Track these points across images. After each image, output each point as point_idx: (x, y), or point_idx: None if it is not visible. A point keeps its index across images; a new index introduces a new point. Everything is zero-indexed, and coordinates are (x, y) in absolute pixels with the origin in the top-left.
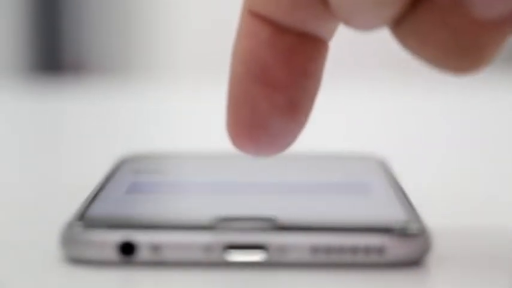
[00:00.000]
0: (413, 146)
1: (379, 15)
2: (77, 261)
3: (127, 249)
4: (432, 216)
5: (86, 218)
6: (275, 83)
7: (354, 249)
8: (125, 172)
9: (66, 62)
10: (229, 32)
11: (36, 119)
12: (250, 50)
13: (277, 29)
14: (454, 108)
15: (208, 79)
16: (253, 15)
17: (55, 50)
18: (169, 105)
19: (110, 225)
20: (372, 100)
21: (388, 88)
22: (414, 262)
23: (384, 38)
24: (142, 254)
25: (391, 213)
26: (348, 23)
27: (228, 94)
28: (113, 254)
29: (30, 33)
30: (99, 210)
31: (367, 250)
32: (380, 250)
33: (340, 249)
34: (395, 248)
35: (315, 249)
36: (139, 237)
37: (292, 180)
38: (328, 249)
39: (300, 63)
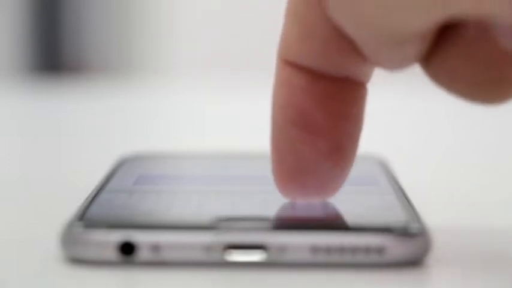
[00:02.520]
0: (413, 146)
1: (402, 54)
2: (77, 261)
3: (127, 249)
4: (432, 216)
5: (86, 218)
6: (316, 129)
7: (354, 249)
8: (125, 172)
9: (66, 62)
10: (230, 33)
11: (36, 119)
12: (288, 98)
13: (313, 75)
14: (454, 108)
15: (209, 79)
16: (287, 63)
17: (55, 50)
18: (169, 105)
19: (110, 225)
20: (372, 100)
21: (388, 88)
22: (414, 262)
23: None
24: (142, 254)
25: (391, 213)
26: (378, 64)
27: (271, 144)
28: (113, 254)
29: (30, 34)
30: (99, 210)
31: (367, 250)
32: (380, 250)
33: (340, 249)
34: (395, 248)
35: (315, 249)
36: (139, 237)
37: None
38: (328, 249)
39: (338, 107)
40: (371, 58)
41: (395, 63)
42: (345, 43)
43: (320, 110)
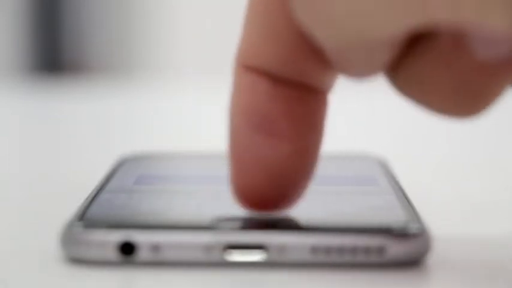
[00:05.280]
0: (413, 146)
1: (370, 61)
2: (77, 261)
3: (127, 249)
4: (432, 216)
5: (86, 218)
6: (280, 133)
7: (354, 250)
8: (125, 172)
9: (66, 62)
10: (230, 32)
11: (36, 119)
12: (250, 104)
13: (275, 80)
14: None
15: (209, 79)
16: (248, 69)
17: (55, 50)
18: (169, 105)
19: (110, 225)
20: (372, 100)
21: (388, 88)
22: (414, 262)
23: None
24: (142, 254)
25: (391, 213)
26: (343, 71)
27: (230, 152)
28: (113, 254)
29: (30, 33)
30: (99, 210)
31: (367, 250)
32: (380, 250)
33: (340, 250)
34: (395, 248)
35: (315, 249)
36: (139, 237)
37: None
38: (328, 249)
39: (301, 114)
40: (336, 64)
41: (361, 71)
42: (309, 48)
43: (284, 116)
